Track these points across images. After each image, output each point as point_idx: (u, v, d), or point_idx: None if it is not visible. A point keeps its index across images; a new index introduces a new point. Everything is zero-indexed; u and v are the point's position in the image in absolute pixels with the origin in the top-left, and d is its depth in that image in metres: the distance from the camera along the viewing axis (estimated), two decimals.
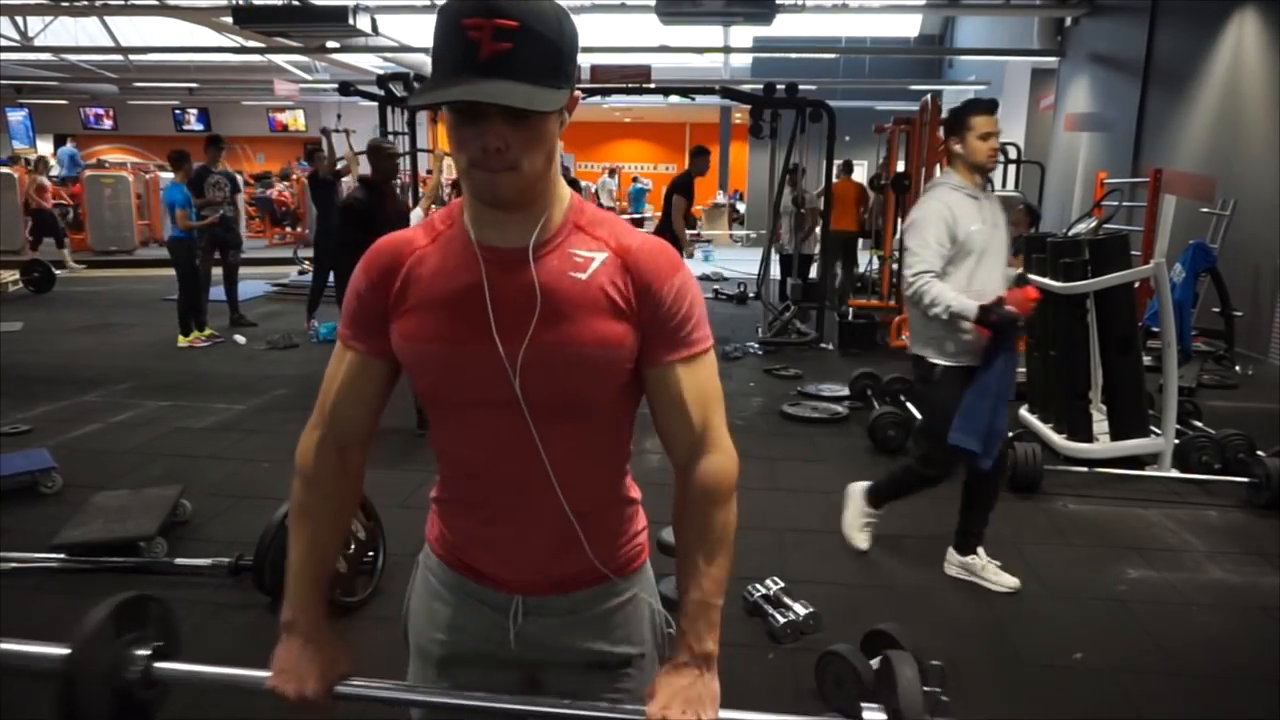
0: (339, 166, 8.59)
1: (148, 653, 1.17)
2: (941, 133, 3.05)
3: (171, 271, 7.60)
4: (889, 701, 1.11)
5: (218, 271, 7.96)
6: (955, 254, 3.00)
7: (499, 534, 1.17)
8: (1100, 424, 4.48)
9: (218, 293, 8.07)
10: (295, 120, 20.92)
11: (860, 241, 10.37)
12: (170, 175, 8.35)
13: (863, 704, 1.13)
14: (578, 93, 1.07)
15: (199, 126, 20.33)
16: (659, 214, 8.14)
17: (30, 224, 12.65)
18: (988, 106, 3.06)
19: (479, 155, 0.97)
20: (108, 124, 20.98)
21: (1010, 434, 4.61)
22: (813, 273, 9.08)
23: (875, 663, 2.40)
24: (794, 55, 16.12)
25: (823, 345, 7.79)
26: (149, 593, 1.25)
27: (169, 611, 1.26)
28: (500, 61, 0.93)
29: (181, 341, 7.46)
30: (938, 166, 7.80)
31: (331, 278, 7.95)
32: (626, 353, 1.08)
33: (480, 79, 0.93)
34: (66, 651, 1.13)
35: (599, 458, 1.17)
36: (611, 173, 20.53)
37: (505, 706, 1.13)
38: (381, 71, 10.62)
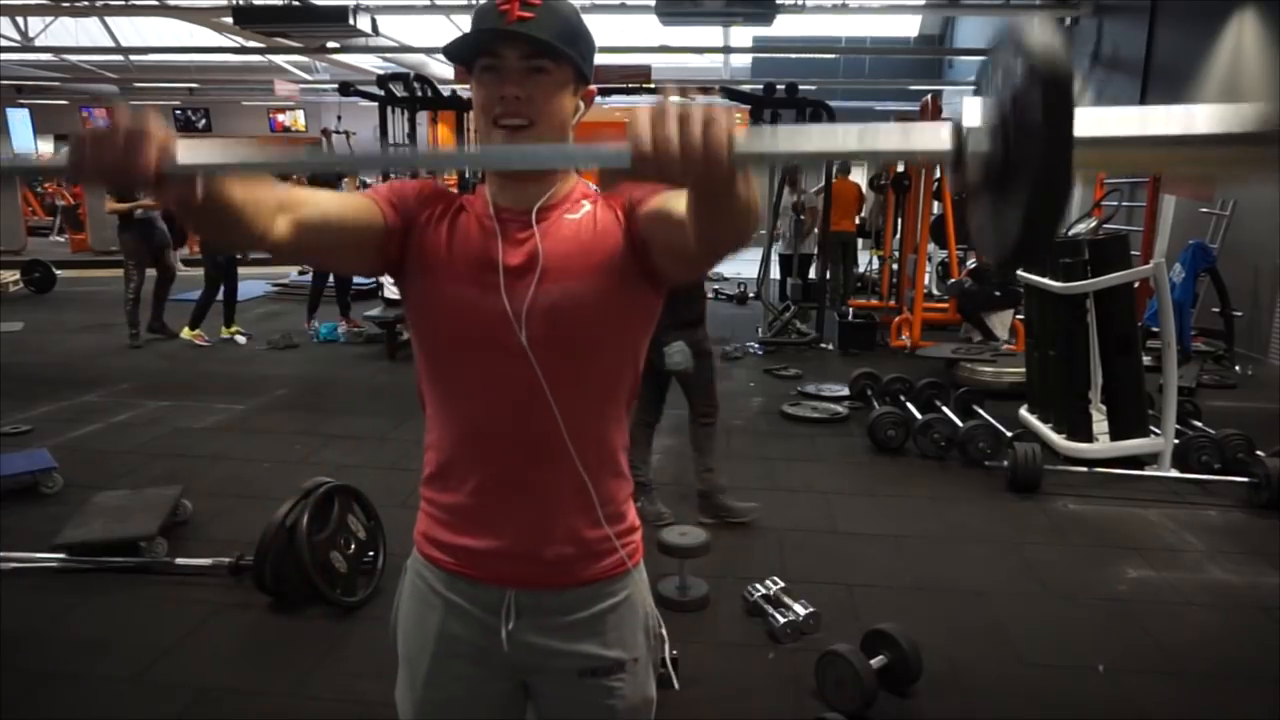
0: None
1: None
2: None
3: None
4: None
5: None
6: None
7: (494, 500, 1.17)
8: (1100, 424, 4.48)
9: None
10: (296, 121, 20.91)
11: (860, 241, 10.37)
12: None
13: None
14: (593, 88, 1.17)
15: (202, 126, 20.35)
16: None
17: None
18: None
19: (498, 110, 1.08)
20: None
21: (1010, 434, 4.63)
22: (812, 273, 9.07)
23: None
24: (794, 55, 16.11)
25: (823, 345, 7.78)
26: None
27: None
28: (524, 21, 1.06)
29: (186, 335, 7.52)
30: (937, 167, 7.81)
31: (332, 278, 7.96)
32: (620, 266, 1.13)
33: (506, 30, 1.07)
34: None
35: (602, 407, 1.19)
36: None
37: None
38: (381, 71, 10.62)
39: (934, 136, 0.77)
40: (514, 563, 1.18)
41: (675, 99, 0.74)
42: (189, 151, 0.85)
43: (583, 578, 1.20)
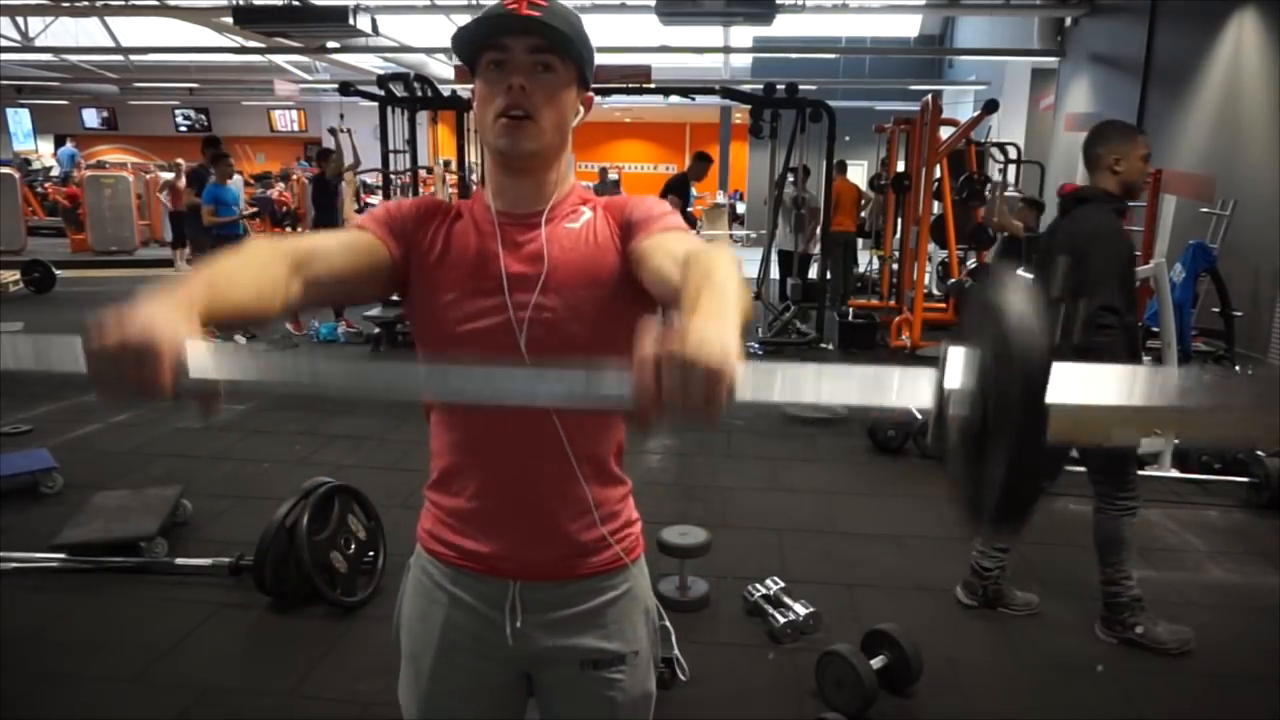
0: (346, 165, 8.57)
1: None
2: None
3: (168, 271, 7.68)
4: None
5: None
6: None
7: (496, 504, 1.19)
8: None
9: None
10: (300, 119, 20.96)
11: (860, 241, 10.37)
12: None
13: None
14: (591, 94, 1.19)
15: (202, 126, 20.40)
16: None
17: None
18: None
19: (503, 102, 1.08)
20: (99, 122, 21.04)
21: None
22: (812, 273, 9.07)
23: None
24: (794, 55, 16.09)
25: (823, 345, 7.78)
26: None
27: None
28: (531, 19, 1.08)
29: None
30: (937, 167, 7.81)
31: None
32: (616, 281, 1.14)
33: (518, 17, 1.08)
34: None
35: (600, 417, 1.20)
36: (603, 175, 16.40)
37: None
38: (381, 71, 10.61)
39: (918, 393, 0.78)
40: (515, 562, 1.20)
41: (680, 350, 0.72)
42: (203, 360, 0.84)
43: (583, 572, 1.21)
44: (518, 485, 1.19)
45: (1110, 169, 2.77)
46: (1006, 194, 8.17)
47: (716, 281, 0.89)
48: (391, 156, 8.42)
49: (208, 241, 7.72)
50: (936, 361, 0.77)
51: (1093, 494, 2.88)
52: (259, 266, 0.99)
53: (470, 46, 1.11)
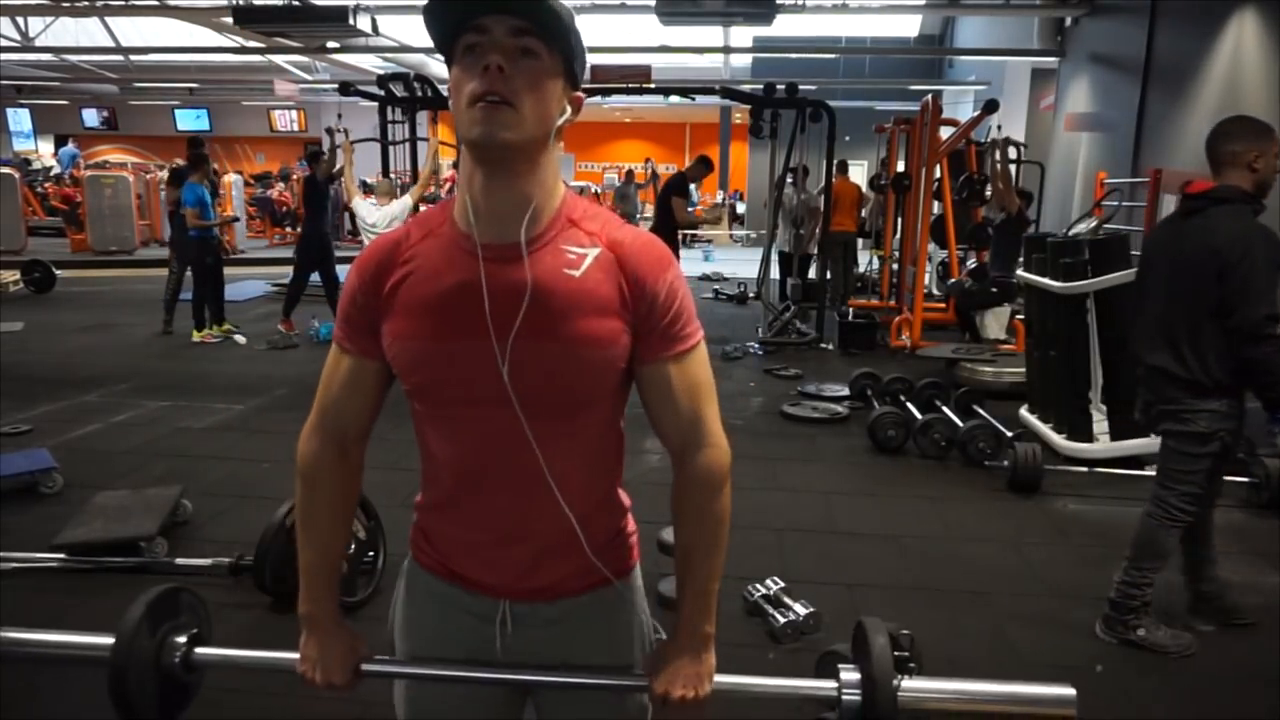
0: (337, 167, 8.55)
1: (184, 640, 1.30)
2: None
3: (167, 271, 7.84)
4: (863, 664, 1.19)
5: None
6: None
7: (486, 538, 1.16)
8: (1100, 424, 4.48)
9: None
10: (300, 119, 20.96)
11: (860, 241, 10.37)
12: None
13: (840, 665, 1.21)
14: (582, 94, 1.09)
15: (205, 126, 20.39)
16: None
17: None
18: None
19: (479, 85, 0.97)
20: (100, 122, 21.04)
21: (1010, 434, 4.63)
22: (812, 273, 9.08)
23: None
24: (794, 55, 16.09)
25: (823, 345, 7.78)
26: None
27: (200, 601, 1.37)
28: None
29: (195, 336, 7.64)
30: (937, 167, 7.81)
31: (320, 278, 7.94)
32: (620, 350, 1.08)
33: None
34: (111, 641, 1.28)
35: (591, 456, 1.16)
36: (628, 177, 15.39)
37: (507, 677, 1.18)
38: (381, 71, 10.61)
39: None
40: (503, 588, 1.18)
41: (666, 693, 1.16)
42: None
43: (572, 591, 1.19)
44: (505, 518, 1.14)
45: (1249, 166, 2.61)
46: (1006, 148, 7.97)
47: (707, 532, 1.21)
48: (391, 155, 8.41)
49: (182, 239, 7.78)
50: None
51: (1151, 495, 2.85)
52: (330, 499, 1.24)
53: (445, 27, 1.00)
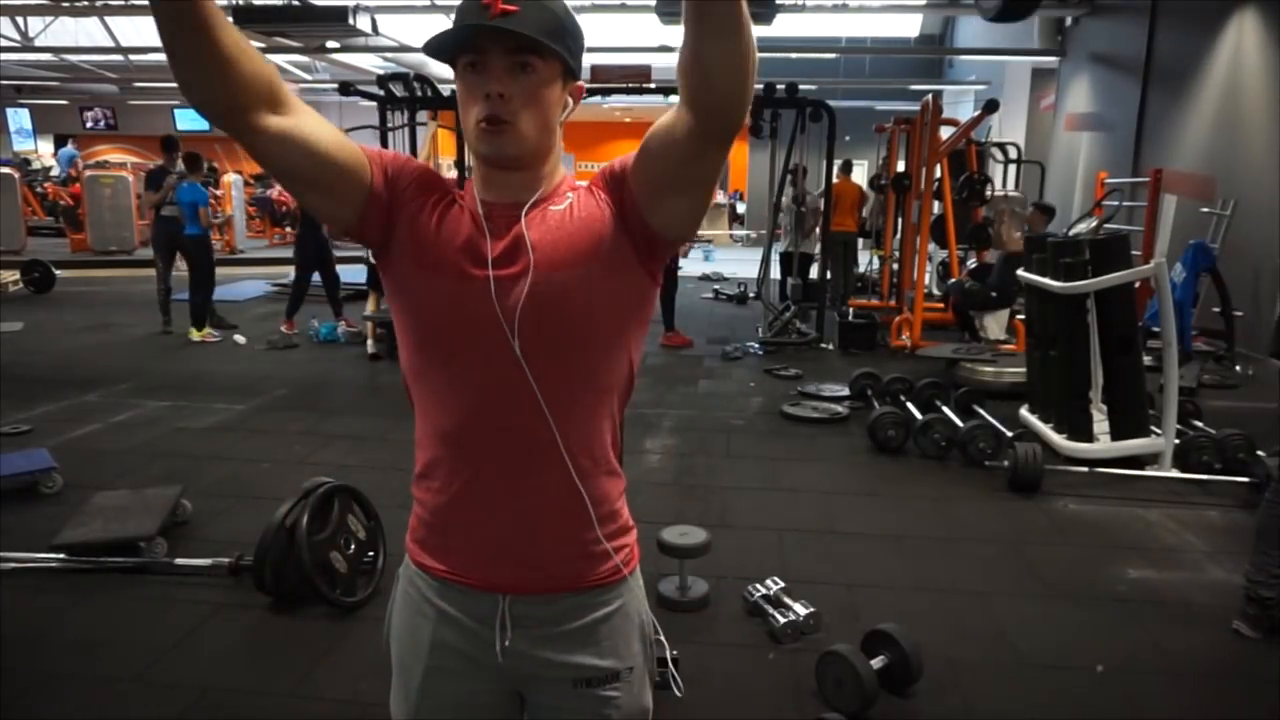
0: None
1: None
2: None
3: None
4: None
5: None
6: None
7: (485, 501, 1.14)
8: (1100, 424, 4.48)
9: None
10: None
11: (860, 241, 10.37)
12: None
13: None
14: (582, 84, 1.15)
15: (204, 126, 20.31)
16: None
17: None
18: None
19: (483, 110, 1.07)
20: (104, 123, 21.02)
21: (1010, 434, 4.63)
22: (812, 273, 9.08)
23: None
24: (794, 55, 16.09)
25: (823, 345, 7.78)
26: None
27: None
28: (507, 16, 1.05)
29: (195, 336, 7.65)
30: (937, 167, 7.80)
31: (320, 278, 7.95)
32: (608, 250, 1.11)
33: (488, 27, 1.05)
34: None
35: (594, 405, 1.16)
36: None
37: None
38: (381, 71, 10.61)
39: None
40: (504, 565, 1.16)
41: None
42: None
43: (576, 584, 1.18)
44: (506, 477, 1.13)
45: None
46: (1009, 194, 8.16)
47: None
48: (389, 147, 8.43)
49: (165, 237, 7.91)
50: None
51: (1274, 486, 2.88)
52: (249, 48, 1.01)
53: (444, 56, 1.09)
